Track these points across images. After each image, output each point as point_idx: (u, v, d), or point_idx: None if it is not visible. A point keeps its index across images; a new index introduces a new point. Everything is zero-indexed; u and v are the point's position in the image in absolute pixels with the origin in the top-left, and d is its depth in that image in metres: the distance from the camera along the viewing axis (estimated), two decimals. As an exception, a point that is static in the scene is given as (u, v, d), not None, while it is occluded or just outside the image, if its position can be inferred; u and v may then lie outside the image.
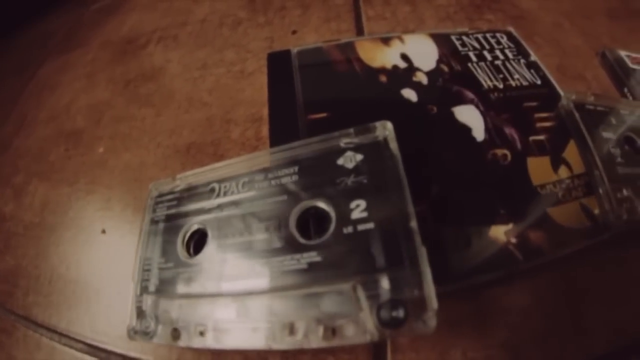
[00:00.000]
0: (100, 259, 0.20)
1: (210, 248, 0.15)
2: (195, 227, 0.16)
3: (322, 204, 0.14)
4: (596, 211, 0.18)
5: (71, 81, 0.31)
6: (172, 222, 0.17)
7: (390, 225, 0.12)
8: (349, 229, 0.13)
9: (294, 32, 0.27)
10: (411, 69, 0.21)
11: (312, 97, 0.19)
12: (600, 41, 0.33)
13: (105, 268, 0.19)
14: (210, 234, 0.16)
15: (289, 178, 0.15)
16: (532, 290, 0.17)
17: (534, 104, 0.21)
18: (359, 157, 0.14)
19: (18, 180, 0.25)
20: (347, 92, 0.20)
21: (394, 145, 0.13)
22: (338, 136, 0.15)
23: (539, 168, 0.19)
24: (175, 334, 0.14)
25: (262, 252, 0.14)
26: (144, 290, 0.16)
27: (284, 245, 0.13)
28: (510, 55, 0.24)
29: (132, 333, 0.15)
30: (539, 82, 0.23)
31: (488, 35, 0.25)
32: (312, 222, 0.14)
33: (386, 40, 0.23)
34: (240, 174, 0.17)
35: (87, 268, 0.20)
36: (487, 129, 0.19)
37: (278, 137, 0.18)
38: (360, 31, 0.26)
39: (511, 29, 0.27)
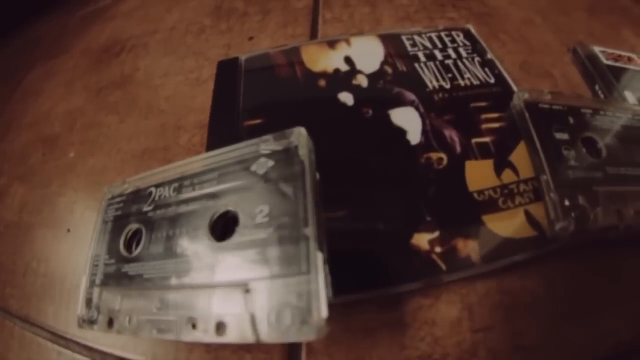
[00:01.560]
0: (64, 255, 0.22)
1: (143, 247, 0.17)
2: (135, 226, 0.18)
3: (233, 209, 0.15)
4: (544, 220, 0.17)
5: (53, 88, 0.33)
6: (118, 222, 0.19)
7: (287, 231, 0.13)
8: (251, 234, 0.14)
9: (250, 39, 0.28)
10: (353, 71, 0.22)
11: (251, 103, 0.20)
12: (575, 37, 0.33)
13: (68, 263, 0.21)
14: (144, 233, 0.17)
15: (210, 184, 0.16)
16: (462, 302, 0.16)
17: (483, 104, 0.21)
18: (270, 163, 0.15)
19: (2, 182, 0.28)
20: (284, 97, 0.20)
21: (303, 152, 0.14)
22: (257, 142, 0.16)
23: (478, 172, 0.18)
24: (110, 322, 0.16)
25: (180, 252, 0.15)
26: (92, 283, 0.18)
27: (198, 247, 0.15)
28: (464, 53, 0.24)
29: (81, 321, 0.17)
30: (492, 80, 0.22)
31: (443, 34, 0.25)
32: (223, 226, 0.15)
33: (332, 44, 0.23)
34: (173, 179, 0.18)
35: (53, 263, 0.22)
36: (424, 132, 0.19)
37: (214, 143, 0.19)
38: (314, 35, 0.27)
39: (469, 26, 0.27)
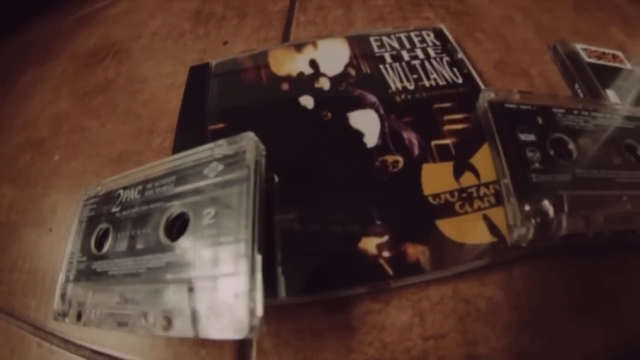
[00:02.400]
0: (46, 253, 0.23)
1: (110, 245, 0.18)
2: (105, 226, 0.19)
3: (186, 210, 0.16)
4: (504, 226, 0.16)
5: (43, 92, 0.34)
6: (91, 222, 0.20)
7: (228, 233, 0.14)
8: (199, 235, 0.15)
9: (225, 43, 0.28)
10: (316, 75, 0.22)
11: (216, 107, 0.21)
12: (558, 35, 0.33)
13: (49, 261, 0.23)
14: (111, 233, 0.18)
15: (168, 187, 0.17)
16: (413, 308, 0.16)
17: (448, 104, 0.20)
18: (220, 167, 0.16)
19: (-6, 184, 0.30)
20: (248, 101, 0.21)
21: (249, 157, 0.15)
22: (212, 147, 0.17)
23: (435, 175, 0.18)
24: (79, 315, 0.17)
25: (139, 250, 0.16)
26: (67, 279, 0.19)
27: (153, 246, 0.16)
28: (432, 53, 0.24)
29: (56, 315, 0.18)
30: (460, 81, 0.22)
31: (413, 34, 0.25)
32: (179, 226, 0.16)
33: (299, 47, 0.24)
34: (139, 182, 0.19)
35: (36, 261, 0.23)
36: (382, 134, 0.19)
37: (180, 147, 0.20)
38: (286, 38, 0.28)
39: (442, 26, 0.27)
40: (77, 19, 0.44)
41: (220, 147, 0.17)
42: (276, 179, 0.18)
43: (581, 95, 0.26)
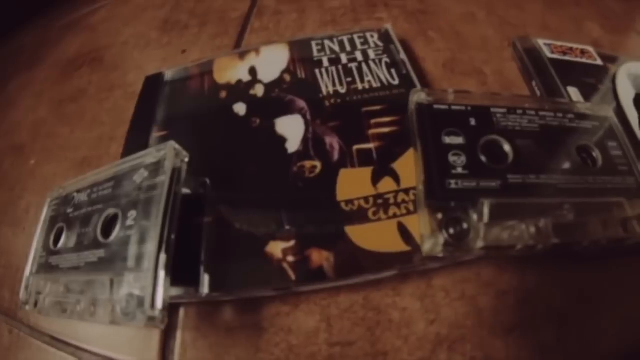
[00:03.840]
0: (20, 249, 0.25)
1: (63, 242, 0.20)
2: (61, 225, 0.21)
3: (117, 212, 0.18)
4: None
5: (27, 98, 0.37)
6: (52, 222, 0.22)
7: (144, 233, 0.15)
8: (122, 234, 0.16)
9: (183, 52, 0.30)
10: (253, 82, 0.23)
11: (162, 115, 0.23)
12: (523, 31, 0.32)
13: (21, 257, 0.24)
14: (65, 231, 0.21)
15: (108, 190, 0.19)
16: (321, 313, 0.16)
17: (378, 107, 0.20)
18: (145, 174, 0.18)
19: (-17, 187, 0.32)
20: (189, 109, 0.23)
21: (168, 164, 0.17)
22: (144, 155, 0.19)
23: (352, 181, 0.17)
24: (36, 304, 0.20)
25: (82, 247, 0.18)
26: (31, 272, 0.21)
27: (91, 243, 0.18)
28: (372, 55, 0.24)
29: (21, 304, 0.21)
30: (396, 82, 0.22)
31: (356, 36, 0.25)
32: (112, 226, 0.18)
33: (242, 55, 0.25)
34: (88, 185, 0.21)
35: (12, 257, 0.26)
36: (304, 140, 0.19)
37: (127, 153, 0.22)
38: (238, 45, 0.29)
39: (388, 26, 0.27)
40: (64, 26, 0.46)
41: (149, 155, 0.18)
42: (208, 182, 0.20)
43: (538, 93, 0.26)
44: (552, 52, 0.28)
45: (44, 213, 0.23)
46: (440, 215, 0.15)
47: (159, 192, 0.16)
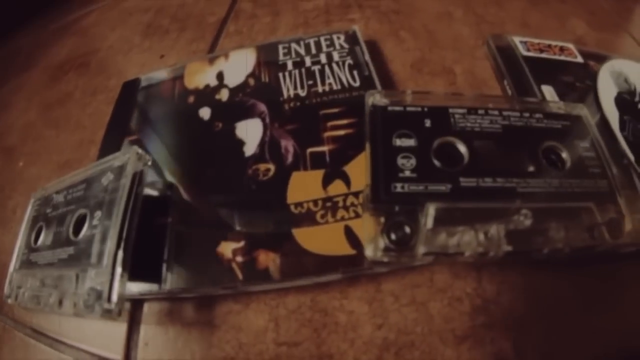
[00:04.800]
0: (8, 247, 0.26)
1: (41, 240, 0.22)
2: (41, 224, 0.23)
3: (85, 212, 0.19)
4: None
5: (19, 101, 0.38)
6: (34, 221, 0.24)
7: (105, 232, 0.17)
8: (88, 233, 0.18)
9: (161, 57, 0.31)
10: (219, 86, 0.24)
11: (135, 120, 0.24)
12: (501, 29, 0.32)
13: (8, 254, 0.25)
14: (44, 230, 0.22)
15: (80, 192, 0.20)
16: (270, 313, 0.16)
17: (335, 110, 0.20)
18: (111, 176, 0.19)
19: (-22, 187, 0.34)
20: (159, 114, 0.24)
21: (129, 168, 0.18)
22: (113, 158, 0.20)
23: (303, 184, 0.18)
24: (17, 297, 0.21)
25: (56, 244, 0.20)
26: (14, 268, 0.23)
27: (64, 241, 0.19)
28: (336, 57, 0.24)
29: (5, 297, 0.22)
30: (357, 84, 0.22)
31: (323, 38, 0.25)
32: (79, 226, 0.19)
33: (212, 60, 0.26)
34: (65, 187, 0.22)
35: (1, 255, 0.28)
36: (261, 143, 0.20)
37: (102, 156, 0.23)
38: (212, 50, 0.30)
39: (355, 27, 0.27)
40: (58, 28, 0.47)
41: (115, 159, 0.20)
42: (175, 185, 0.21)
43: (509, 92, 0.25)
44: (528, 50, 0.28)
45: (28, 213, 0.25)
46: (383, 220, 0.15)
47: (120, 194, 0.17)
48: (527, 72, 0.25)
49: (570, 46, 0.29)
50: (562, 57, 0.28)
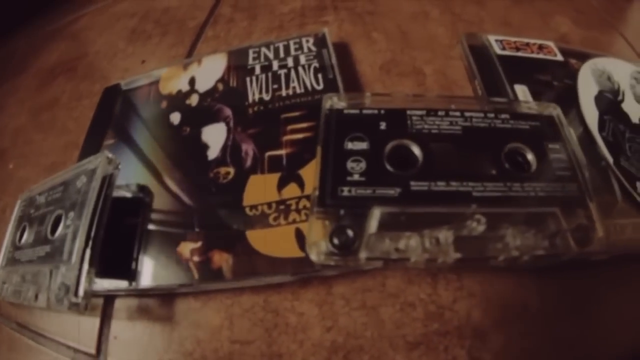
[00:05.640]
0: None
1: (24, 239, 0.23)
2: (25, 224, 0.24)
3: (61, 212, 0.20)
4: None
5: (11, 105, 0.39)
6: (20, 221, 0.25)
7: (75, 231, 0.18)
8: (63, 232, 0.19)
9: (142, 62, 0.32)
10: (191, 91, 0.24)
11: (113, 125, 0.25)
12: (479, 28, 0.32)
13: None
14: (27, 229, 0.24)
15: (59, 194, 0.22)
16: (225, 311, 0.16)
17: (297, 113, 0.21)
18: (85, 179, 0.20)
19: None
20: (135, 119, 0.25)
21: (99, 172, 0.19)
22: (87, 162, 0.21)
23: (259, 187, 0.18)
24: (1, 292, 0.23)
25: (36, 243, 0.21)
26: (1, 266, 0.24)
27: (42, 239, 0.20)
28: (303, 61, 0.24)
29: (-6, 293, 0.24)
30: (320, 87, 0.22)
31: (292, 42, 0.26)
32: (56, 225, 0.20)
33: (186, 65, 0.27)
34: (47, 189, 0.24)
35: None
36: (223, 147, 0.20)
37: (82, 159, 0.25)
38: (190, 55, 0.31)
39: (325, 30, 0.27)
40: (50, 32, 0.48)
41: (89, 163, 0.21)
42: (147, 187, 0.23)
43: (480, 92, 0.25)
44: (503, 49, 0.27)
45: (15, 213, 0.26)
46: (327, 223, 0.15)
47: (90, 196, 0.18)
48: (500, 71, 0.25)
49: (550, 44, 0.29)
50: (541, 56, 0.27)
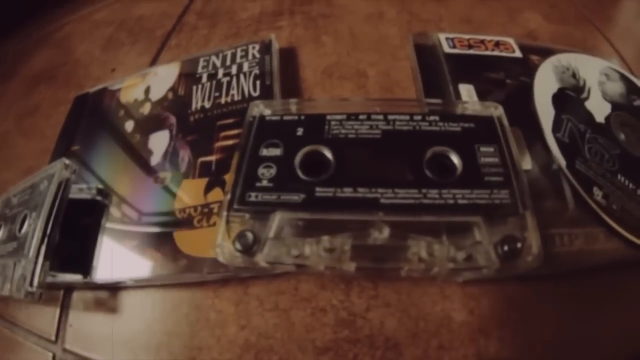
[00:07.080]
0: None
1: (0, 235, 0.26)
2: (1, 222, 0.27)
3: (27, 212, 0.23)
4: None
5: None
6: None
7: (34, 229, 0.20)
8: (26, 230, 0.22)
9: (112, 70, 0.34)
10: (145, 100, 0.26)
11: (79, 132, 0.27)
12: (436, 27, 0.32)
13: None
14: (2, 228, 0.26)
15: (27, 196, 0.24)
16: (160, 305, 0.18)
17: (231, 120, 0.22)
18: (46, 183, 0.22)
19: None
20: (96, 127, 0.27)
21: (56, 176, 0.21)
22: (49, 168, 0.24)
23: (189, 191, 0.19)
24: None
25: (7, 239, 0.24)
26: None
27: (12, 236, 0.23)
28: (246, 67, 0.25)
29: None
30: (256, 94, 0.22)
31: (239, 49, 0.26)
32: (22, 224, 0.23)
33: (144, 75, 0.28)
34: (19, 191, 0.26)
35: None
36: (165, 153, 0.22)
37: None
38: (154, 63, 0.33)
39: (272, 36, 0.27)
40: (39, 38, 0.49)
41: (51, 168, 0.23)
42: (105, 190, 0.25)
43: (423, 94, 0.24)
44: (453, 47, 0.26)
45: (-5, 213, 0.29)
46: (232, 227, 0.15)
47: (47, 198, 0.21)
48: (446, 70, 0.24)
49: (509, 41, 0.28)
50: (495, 53, 0.27)
